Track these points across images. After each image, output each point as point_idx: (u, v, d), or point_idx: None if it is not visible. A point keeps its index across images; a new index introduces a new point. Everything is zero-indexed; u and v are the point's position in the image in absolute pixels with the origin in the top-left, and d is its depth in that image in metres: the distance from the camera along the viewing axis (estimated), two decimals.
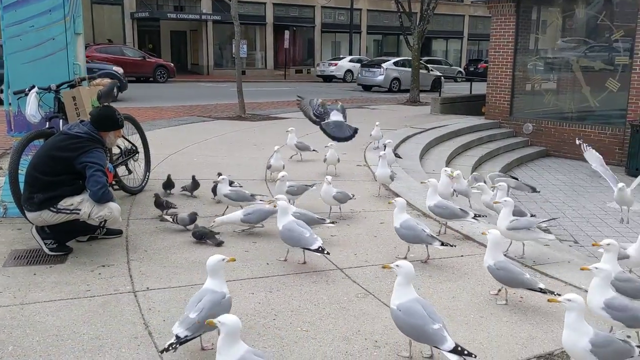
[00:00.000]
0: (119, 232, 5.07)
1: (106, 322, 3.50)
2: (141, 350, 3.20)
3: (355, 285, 4.18)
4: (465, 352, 2.95)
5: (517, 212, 5.43)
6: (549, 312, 3.83)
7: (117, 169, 6.07)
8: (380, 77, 27.47)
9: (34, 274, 4.16)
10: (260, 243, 5.00)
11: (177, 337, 2.99)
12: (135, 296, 3.88)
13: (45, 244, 4.51)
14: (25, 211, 4.48)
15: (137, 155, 6.47)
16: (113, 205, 4.50)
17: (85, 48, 26.65)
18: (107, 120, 4.71)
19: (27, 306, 3.65)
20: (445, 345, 2.97)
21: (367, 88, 28.30)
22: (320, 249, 4.27)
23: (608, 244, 3.62)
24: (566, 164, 12.99)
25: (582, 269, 3.47)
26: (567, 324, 2.90)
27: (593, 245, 4.03)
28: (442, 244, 4.53)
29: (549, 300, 3.07)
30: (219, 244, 4.90)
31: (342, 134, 7.93)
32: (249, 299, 3.88)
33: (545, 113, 14.54)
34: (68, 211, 4.39)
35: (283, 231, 4.43)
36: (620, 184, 6.14)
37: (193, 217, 5.23)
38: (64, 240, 4.61)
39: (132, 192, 6.33)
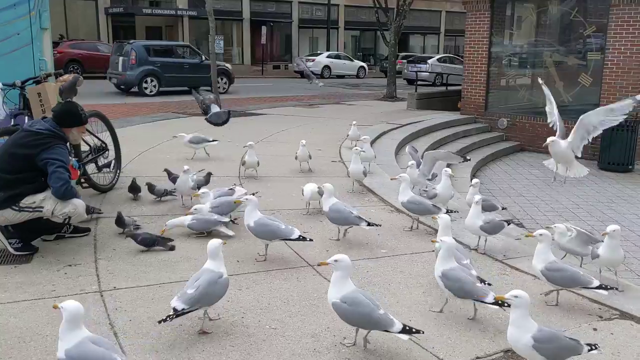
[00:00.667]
0: (86, 231, 4.98)
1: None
2: None
3: (326, 282, 4.13)
4: (413, 330, 3.11)
5: (489, 206, 5.50)
6: (538, 310, 3.85)
7: (86, 167, 5.98)
8: (426, 73, 28.32)
9: None
10: (231, 241, 4.93)
11: (175, 309, 3.22)
12: (102, 296, 3.82)
13: (9, 243, 4.42)
14: None
15: (106, 152, 6.36)
16: (77, 201, 4.42)
17: (59, 44, 26.26)
18: (69, 116, 4.62)
19: None
20: (394, 327, 3.10)
21: (411, 82, 28.30)
22: (301, 237, 4.37)
23: (541, 234, 3.87)
24: (540, 158, 12.97)
25: (526, 236, 4.21)
26: (512, 320, 2.92)
27: (526, 236, 4.31)
28: (369, 224, 4.88)
29: (497, 299, 3.09)
30: (172, 248, 4.69)
31: (220, 120, 9.27)
32: None
33: (520, 108, 14.66)
34: (31, 209, 4.30)
35: (256, 227, 4.39)
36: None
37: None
38: (29, 239, 4.52)
39: (103, 189, 6.23)
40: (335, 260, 3.16)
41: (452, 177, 6.01)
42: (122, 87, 20.56)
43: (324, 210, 5.04)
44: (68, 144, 4.71)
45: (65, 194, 4.31)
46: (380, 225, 5.10)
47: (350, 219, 4.91)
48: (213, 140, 8.29)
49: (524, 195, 9.73)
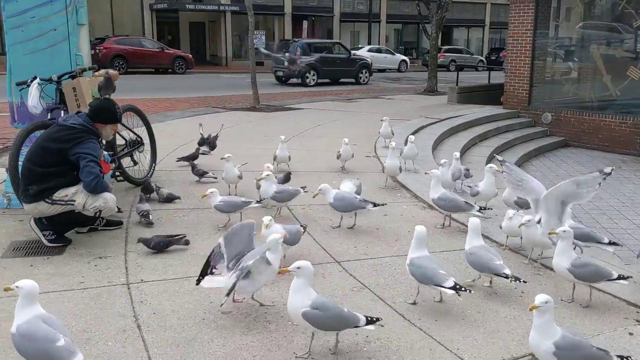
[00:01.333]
0: (119, 224, 5.05)
1: (96, 315, 3.48)
2: (128, 344, 3.17)
3: (351, 279, 4.10)
4: (374, 320, 3.12)
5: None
6: None
7: (121, 160, 6.07)
8: None
9: (31, 266, 4.16)
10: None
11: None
12: (129, 288, 3.86)
13: (44, 235, 4.52)
14: (23, 203, 4.50)
15: (141, 146, 6.44)
16: (108, 195, 4.48)
17: (104, 40, 27.02)
18: (104, 112, 4.69)
19: None
20: (361, 321, 3.09)
21: None
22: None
23: (564, 231, 3.74)
24: (585, 154, 12.69)
25: (550, 234, 3.95)
26: (535, 325, 2.79)
27: (550, 234, 4.07)
28: (375, 205, 5.01)
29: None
30: (186, 242, 4.67)
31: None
32: None
33: (565, 102, 14.22)
34: (63, 202, 4.39)
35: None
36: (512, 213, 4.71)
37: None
38: (62, 231, 4.61)
39: (138, 183, 6.31)
40: (298, 267, 3.01)
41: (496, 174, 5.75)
42: (283, 78, 23.97)
43: (328, 202, 5.02)
44: (100, 139, 4.77)
45: (95, 188, 4.38)
46: (385, 204, 5.24)
47: (355, 204, 5.00)
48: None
49: None
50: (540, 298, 2.79)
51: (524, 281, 3.83)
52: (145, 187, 5.79)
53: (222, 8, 35.12)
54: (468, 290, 3.51)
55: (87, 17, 5.96)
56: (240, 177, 6.15)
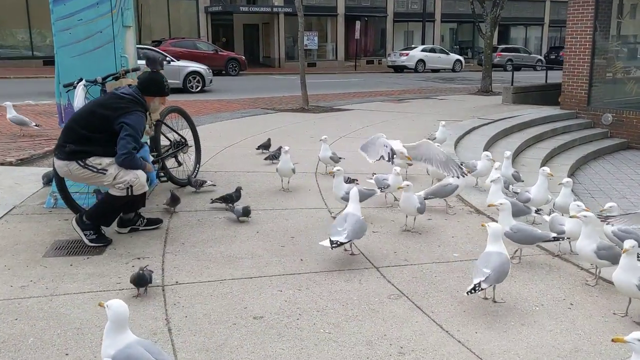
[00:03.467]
0: (159, 222, 5.07)
1: (130, 317, 3.45)
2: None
3: (389, 286, 3.95)
4: None
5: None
6: (600, 322, 3.47)
7: (166, 161, 6.11)
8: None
9: (71, 265, 4.21)
10: (298, 238, 4.85)
11: (336, 242, 4.06)
12: (163, 290, 3.84)
13: (85, 235, 4.57)
14: (55, 159, 4.57)
15: (186, 147, 6.47)
16: (139, 172, 4.54)
17: (161, 42, 27.81)
18: (153, 85, 4.74)
19: (57, 298, 3.68)
20: None
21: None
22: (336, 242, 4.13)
23: (586, 216, 3.84)
24: None
25: (571, 217, 4.13)
26: None
27: (570, 217, 4.16)
28: (556, 239, 4.34)
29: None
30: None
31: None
32: (276, 297, 3.74)
33: (627, 102, 13.53)
34: (95, 169, 4.44)
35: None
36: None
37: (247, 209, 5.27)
38: (100, 223, 4.62)
39: (181, 184, 6.34)
40: (107, 306, 2.56)
41: (550, 177, 5.40)
42: None
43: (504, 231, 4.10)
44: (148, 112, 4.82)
45: (123, 163, 4.43)
46: (566, 238, 4.35)
47: (537, 235, 4.29)
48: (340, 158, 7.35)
49: (627, 198, 8.93)
50: (633, 335, 2.50)
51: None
52: (225, 198, 5.52)
53: (275, 10, 35.40)
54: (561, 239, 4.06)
55: (134, 19, 6.04)
56: (293, 171, 6.30)
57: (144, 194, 4.80)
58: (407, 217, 5.15)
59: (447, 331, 3.36)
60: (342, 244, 4.09)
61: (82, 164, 4.45)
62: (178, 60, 20.30)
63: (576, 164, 11.01)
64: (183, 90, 18.79)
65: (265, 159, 7.62)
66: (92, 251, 4.48)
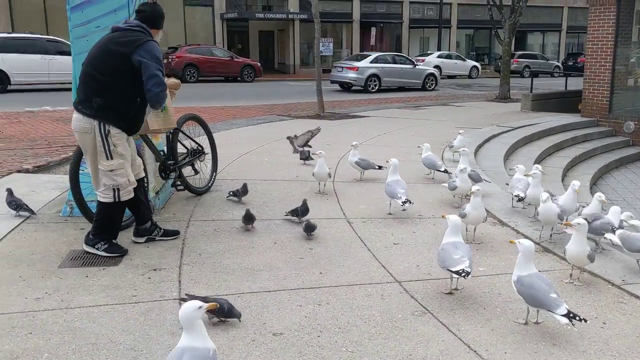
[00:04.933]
0: (176, 233, 4.98)
1: (145, 332, 3.37)
2: None
3: (412, 301, 3.82)
4: None
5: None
6: (636, 342, 3.31)
7: (182, 169, 6.03)
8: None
9: (86, 276, 4.12)
10: (317, 249, 4.74)
11: (462, 270, 3.68)
12: (180, 304, 3.72)
13: (97, 248, 4.47)
14: (76, 112, 4.37)
15: (203, 155, 6.39)
16: (131, 180, 4.51)
17: (177, 49, 28.02)
18: (160, 17, 4.59)
19: (72, 310, 3.59)
20: None
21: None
22: (461, 271, 3.70)
23: (579, 224, 3.96)
24: None
25: (565, 224, 4.21)
26: None
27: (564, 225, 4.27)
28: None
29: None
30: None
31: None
32: (296, 312, 3.62)
33: None
34: (108, 147, 4.30)
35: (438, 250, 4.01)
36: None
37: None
38: (105, 237, 4.51)
39: (198, 192, 6.26)
40: None
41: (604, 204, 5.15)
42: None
43: (512, 280, 3.56)
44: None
45: (159, 98, 4.34)
46: (585, 320, 3.28)
47: (545, 301, 3.33)
48: (379, 167, 7.08)
49: None
50: None
51: (584, 319, 3.23)
52: (247, 217, 5.21)
53: (291, 16, 35.42)
54: (583, 320, 3.17)
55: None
56: (329, 175, 6.44)
57: (148, 205, 4.85)
58: (475, 228, 5.03)
59: (475, 351, 3.21)
60: (468, 273, 3.67)
61: (104, 132, 4.27)
62: None
63: (598, 173, 10.80)
64: None
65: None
66: (107, 262, 4.39)
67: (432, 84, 25.38)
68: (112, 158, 4.35)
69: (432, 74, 25.62)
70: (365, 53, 27.77)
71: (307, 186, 6.70)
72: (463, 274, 3.68)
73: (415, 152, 8.79)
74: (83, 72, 4.44)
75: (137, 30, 4.39)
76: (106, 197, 4.44)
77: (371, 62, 23.99)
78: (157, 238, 4.87)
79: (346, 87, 24.26)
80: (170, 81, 5.41)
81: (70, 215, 5.39)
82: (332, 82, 24.49)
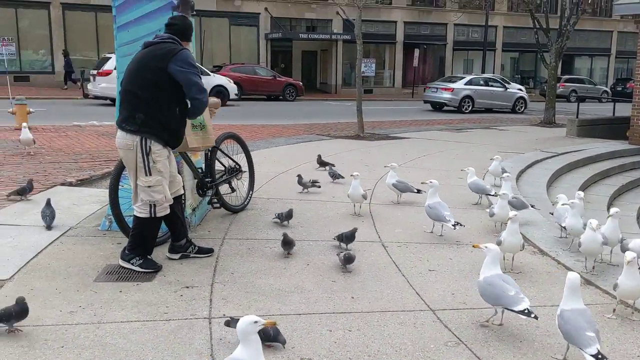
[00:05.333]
0: (210, 251, 5.00)
1: (174, 350, 3.36)
2: None
3: (446, 331, 3.71)
4: None
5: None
6: None
7: (219, 187, 6.07)
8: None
9: (120, 291, 4.16)
10: (350, 273, 4.66)
11: (526, 310, 3.52)
12: (210, 323, 3.73)
13: (132, 263, 4.52)
14: (120, 130, 4.44)
15: (240, 174, 6.43)
16: (168, 194, 4.56)
17: (221, 67, 28.73)
18: (189, 29, 4.67)
19: (104, 325, 3.62)
20: None
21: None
22: (526, 310, 3.54)
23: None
24: None
25: (474, 247, 4.02)
26: None
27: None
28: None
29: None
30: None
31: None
32: (325, 337, 3.56)
33: None
34: (148, 164, 4.36)
35: (482, 284, 3.82)
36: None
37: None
38: (140, 253, 4.56)
39: (234, 210, 6.29)
40: None
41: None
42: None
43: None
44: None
45: (203, 107, 4.54)
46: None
47: (581, 338, 3.20)
48: (418, 191, 6.94)
49: None
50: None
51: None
52: (285, 242, 5.06)
53: (334, 37, 35.69)
54: None
55: (193, 45, 6.07)
56: (364, 197, 6.43)
57: (184, 222, 4.89)
58: (513, 257, 4.90)
59: None
60: (530, 311, 3.49)
61: (146, 149, 4.34)
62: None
63: None
64: None
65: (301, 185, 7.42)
66: (141, 277, 4.43)
67: (521, 107, 26.13)
68: (150, 174, 4.42)
69: (522, 97, 26.41)
70: (458, 75, 29.09)
71: (343, 207, 6.65)
72: (533, 315, 3.49)
73: (455, 176, 8.67)
74: (122, 90, 4.54)
75: (169, 42, 4.47)
76: (143, 212, 4.50)
77: (465, 84, 24.89)
78: (191, 255, 4.90)
79: (438, 107, 25.06)
80: (211, 100, 5.48)
81: (109, 230, 5.48)
82: (425, 101, 25.95)
